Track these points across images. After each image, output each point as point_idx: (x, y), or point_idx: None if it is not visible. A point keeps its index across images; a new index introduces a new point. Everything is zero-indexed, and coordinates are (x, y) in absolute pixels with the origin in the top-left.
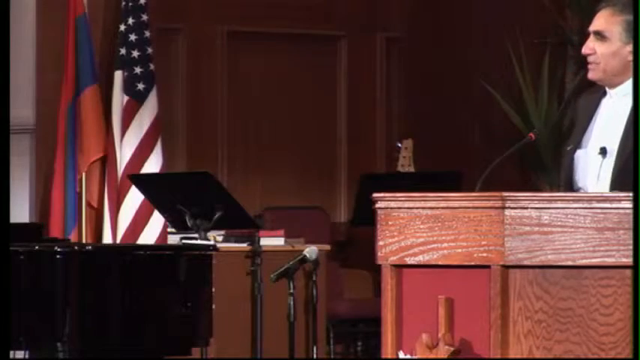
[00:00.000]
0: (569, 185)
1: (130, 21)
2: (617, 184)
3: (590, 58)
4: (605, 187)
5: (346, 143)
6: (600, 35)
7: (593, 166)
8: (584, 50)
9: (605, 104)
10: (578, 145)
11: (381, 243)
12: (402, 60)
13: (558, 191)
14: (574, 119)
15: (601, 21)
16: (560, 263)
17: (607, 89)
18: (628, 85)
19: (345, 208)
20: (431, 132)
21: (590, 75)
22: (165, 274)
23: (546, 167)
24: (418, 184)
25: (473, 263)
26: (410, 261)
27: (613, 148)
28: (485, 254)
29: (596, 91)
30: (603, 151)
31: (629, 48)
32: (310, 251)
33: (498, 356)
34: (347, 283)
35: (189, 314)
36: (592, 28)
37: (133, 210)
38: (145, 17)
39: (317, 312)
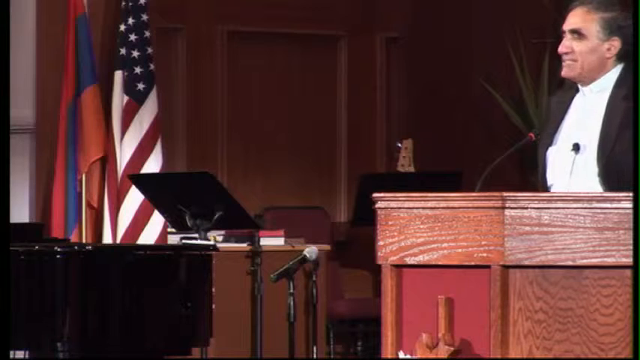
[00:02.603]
0: (544, 180)
1: (130, 21)
2: (605, 179)
3: (567, 57)
4: (578, 183)
5: (346, 143)
6: (578, 33)
7: (565, 163)
8: (562, 49)
9: (578, 101)
10: (550, 142)
11: (381, 243)
12: (402, 60)
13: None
14: (547, 118)
15: (577, 19)
16: (560, 263)
17: (580, 87)
18: (603, 81)
19: (345, 208)
20: (431, 132)
21: (566, 72)
22: (165, 274)
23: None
24: (418, 184)
25: (473, 263)
26: (410, 261)
27: (587, 145)
28: (485, 254)
29: (568, 90)
30: (576, 147)
31: (607, 45)
32: (310, 251)
33: (498, 356)
34: (347, 283)
35: (189, 314)
36: (568, 26)
37: (133, 210)
38: (145, 17)
39: (317, 312)
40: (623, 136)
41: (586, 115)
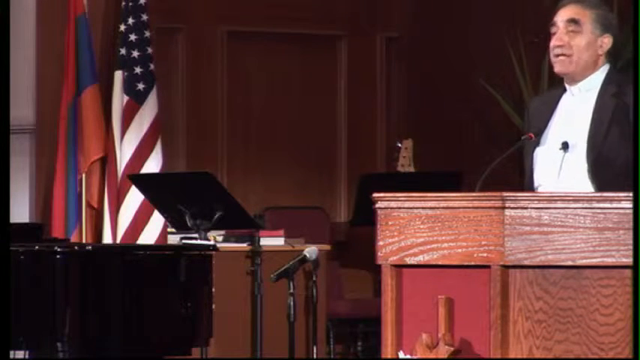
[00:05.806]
0: (531, 182)
1: (130, 21)
2: (595, 175)
3: (561, 50)
4: (566, 181)
5: (346, 143)
6: (575, 23)
7: (554, 162)
8: (556, 42)
9: (566, 101)
10: (536, 142)
11: (381, 243)
12: (402, 60)
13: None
14: (529, 121)
15: (572, 12)
16: (560, 263)
17: (567, 86)
18: (592, 79)
19: (345, 208)
20: (431, 132)
21: (559, 68)
22: (165, 274)
23: None
24: (418, 184)
25: (473, 263)
26: (410, 261)
27: (576, 143)
28: (485, 254)
29: (551, 91)
30: (565, 146)
31: (599, 42)
32: (310, 251)
33: (498, 356)
34: (347, 283)
35: (189, 314)
36: (564, 17)
37: (133, 210)
38: (145, 17)
39: (317, 312)
40: (612, 132)
41: (574, 114)
